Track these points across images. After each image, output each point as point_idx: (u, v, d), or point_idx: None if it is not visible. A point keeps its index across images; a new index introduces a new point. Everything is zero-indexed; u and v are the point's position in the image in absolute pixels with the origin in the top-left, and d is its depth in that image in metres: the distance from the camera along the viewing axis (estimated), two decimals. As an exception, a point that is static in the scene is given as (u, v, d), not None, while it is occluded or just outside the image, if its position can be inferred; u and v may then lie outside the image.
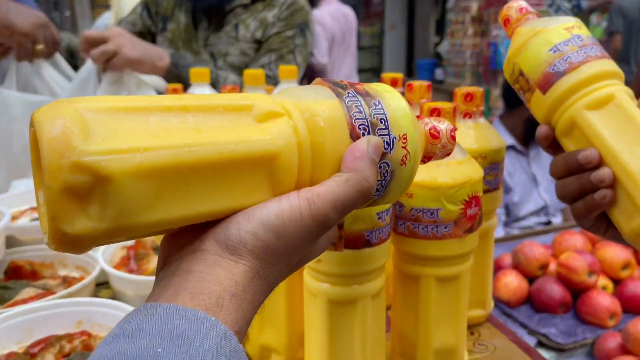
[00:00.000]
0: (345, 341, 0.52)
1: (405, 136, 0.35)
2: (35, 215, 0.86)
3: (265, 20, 1.34)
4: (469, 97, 0.61)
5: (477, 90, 0.61)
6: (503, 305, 1.02)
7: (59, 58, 1.13)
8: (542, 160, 2.06)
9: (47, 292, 0.65)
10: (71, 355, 0.53)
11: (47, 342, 0.55)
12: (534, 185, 2.03)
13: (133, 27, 1.43)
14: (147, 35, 1.44)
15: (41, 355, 0.54)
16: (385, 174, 0.35)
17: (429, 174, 0.51)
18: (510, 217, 1.98)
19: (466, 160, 0.52)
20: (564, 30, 0.50)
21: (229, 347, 0.25)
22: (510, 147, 1.97)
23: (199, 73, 1.00)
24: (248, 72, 1.00)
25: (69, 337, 0.56)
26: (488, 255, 0.68)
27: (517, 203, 1.99)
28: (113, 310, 0.59)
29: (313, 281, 0.52)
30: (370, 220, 0.48)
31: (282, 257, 0.31)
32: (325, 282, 0.51)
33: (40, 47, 1.05)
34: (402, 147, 0.35)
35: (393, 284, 0.58)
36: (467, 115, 0.62)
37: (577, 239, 1.06)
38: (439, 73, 5.28)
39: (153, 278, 0.66)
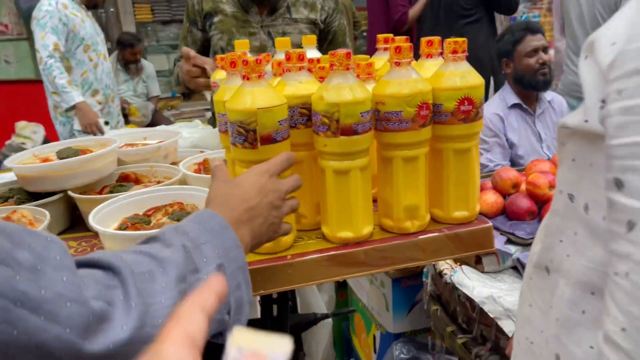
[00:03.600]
0: (345, 200, 0.81)
1: None
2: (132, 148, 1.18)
3: (314, 4, 1.61)
4: (430, 42, 0.89)
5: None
6: (483, 216, 1.28)
7: None
8: (546, 119, 2.29)
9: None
10: (173, 213, 0.84)
11: (156, 209, 0.87)
12: (538, 141, 2.25)
13: (200, 45, 1.65)
14: (206, 41, 1.65)
15: (154, 215, 0.86)
16: None
17: (394, 88, 0.79)
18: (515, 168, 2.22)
19: (419, 79, 0.80)
20: None
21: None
22: (516, 105, 2.20)
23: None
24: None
25: (170, 205, 0.87)
26: (470, 169, 0.85)
27: (522, 156, 2.21)
28: (194, 192, 0.90)
29: (323, 160, 0.81)
30: (356, 117, 0.77)
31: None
32: (330, 159, 0.80)
33: None
34: None
35: (377, 168, 0.86)
36: (429, 55, 0.90)
37: (544, 164, 1.32)
38: None
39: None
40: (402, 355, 1.70)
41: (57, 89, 2.49)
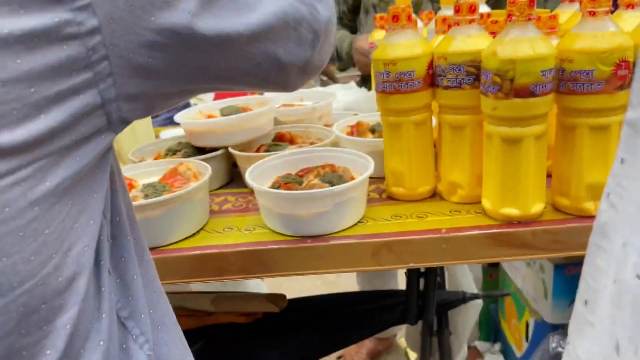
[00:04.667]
0: (513, 172, 0.71)
1: None
2: (288, 109, 1.19)
3: None
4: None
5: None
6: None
7: None
8: None
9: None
10: (324, 175, 0.82)
11: (308, 170, 0.86)
12: None
13: (352, 4, 1.68)
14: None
15: (306, 176, 0.85)
16: None
17: (586, 43, 0.66)
18: None
19: (619, 32, 0.66)
20: None
21: None
22: None
23: None
24: None
25: (322, 166, 0.85)
26: None
27: None
28: (346, 155, 0.87)
29: (490, 126, 0.72)
30: (535, 76, 0.66)
31: None
32: (499, 125, 0.70)
33: None
34: None
35: (555, 138, 0.75)
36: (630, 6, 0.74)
37: None
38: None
39: (370, 140, 0.92)
40: (559, 349, 1.54)
41: None
